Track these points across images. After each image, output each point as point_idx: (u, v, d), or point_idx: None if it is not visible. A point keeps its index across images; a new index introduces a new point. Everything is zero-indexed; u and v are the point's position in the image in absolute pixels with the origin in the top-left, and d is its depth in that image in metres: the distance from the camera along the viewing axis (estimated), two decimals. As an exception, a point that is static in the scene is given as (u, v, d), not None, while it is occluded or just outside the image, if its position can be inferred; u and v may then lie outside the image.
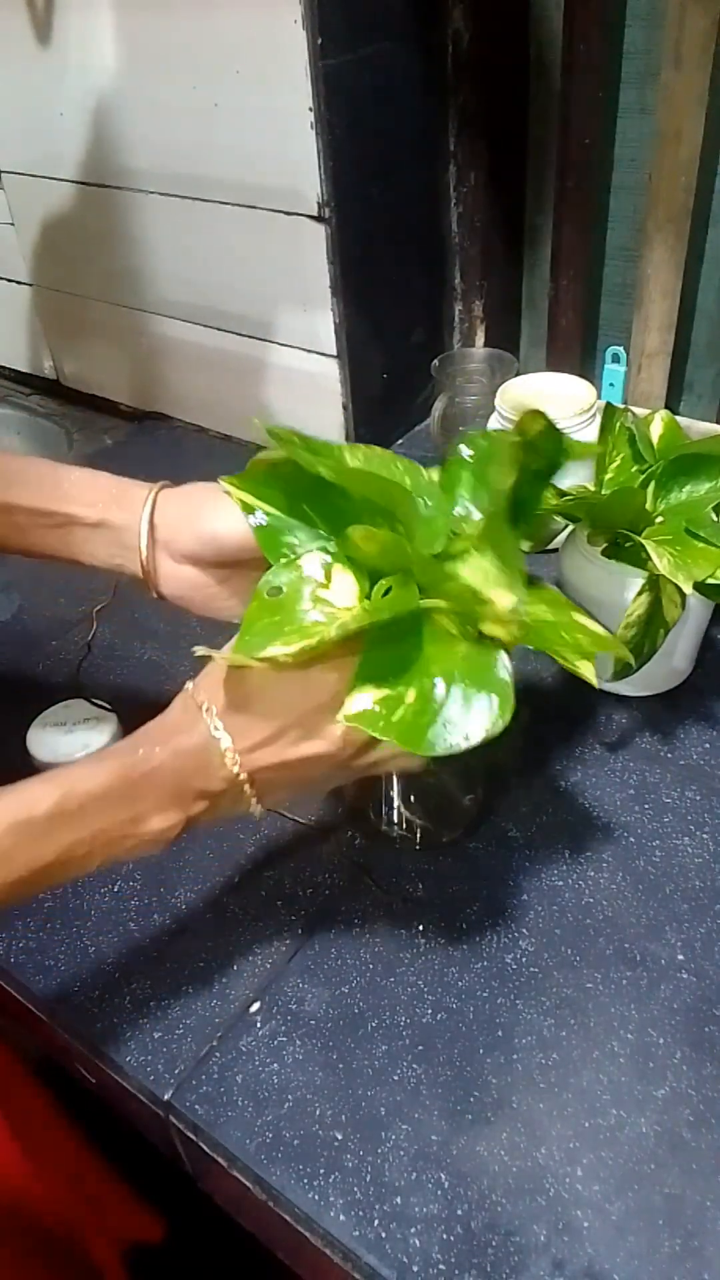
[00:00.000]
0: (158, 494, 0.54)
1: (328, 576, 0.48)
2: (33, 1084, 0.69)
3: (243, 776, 0.45)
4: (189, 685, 0.47)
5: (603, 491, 0.63)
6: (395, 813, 0.61)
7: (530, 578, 0.49)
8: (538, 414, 0.46)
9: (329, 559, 0.49)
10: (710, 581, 0.56)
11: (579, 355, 0.98)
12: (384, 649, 0.45)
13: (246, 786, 0.46)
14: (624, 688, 0.68)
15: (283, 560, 0.49)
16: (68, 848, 0.43)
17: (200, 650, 0.45)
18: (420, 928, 0.56)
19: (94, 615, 0.82)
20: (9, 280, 1.17)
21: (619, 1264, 0.43)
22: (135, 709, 0.72)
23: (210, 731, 0.45)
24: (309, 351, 0.92)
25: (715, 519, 0.60)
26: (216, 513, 0.52)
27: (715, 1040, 0.50)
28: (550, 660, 0.72)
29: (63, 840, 0.43)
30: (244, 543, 0.51)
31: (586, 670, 0.48)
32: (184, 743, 0.45)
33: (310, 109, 0.78)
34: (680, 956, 0.54)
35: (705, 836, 0.59)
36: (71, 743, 0.68)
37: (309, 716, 0.45)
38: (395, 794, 0.61)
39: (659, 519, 0.61)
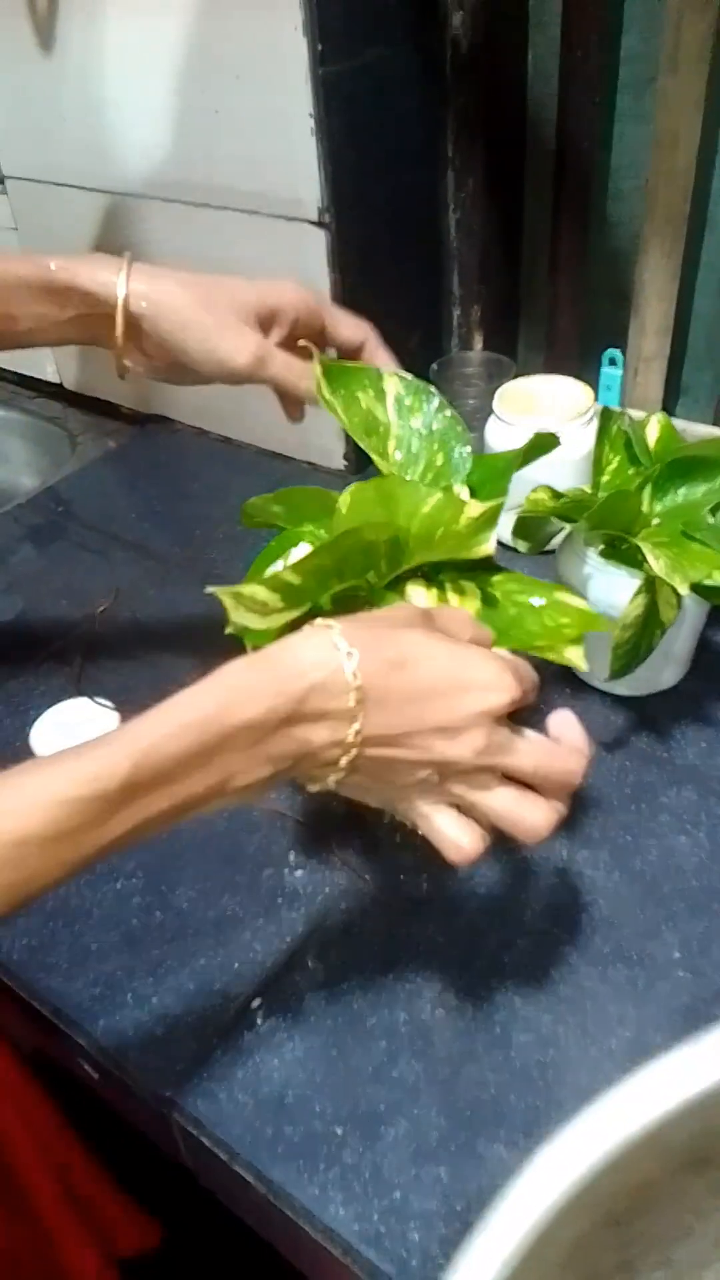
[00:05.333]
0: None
1: None
2: (27, 1081, 0.69)
3: (353, 700, 0.39)
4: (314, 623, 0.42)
5: (599, 494, 0.64)
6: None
7: (493, 565, 0.50)
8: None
9: None
10: (706, 583, 0.56)
11: (576, 359, 0.98)
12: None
13: (354, 727, 0.39)
14: (620, 688, 0.69)
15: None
16: (142, 821, 0.38)
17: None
18: (420, 926, 0.57)
19: (96, 616, 0.83)
20: (11, 284, 1.17)
21: (615, 1258, 0.43)
22: (138, 708, 0.73)
23: (333, 640, 0.40)
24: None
25: (711, 521, 0.60)
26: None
27: (711, 1037, 0.50)
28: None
29: (137, 815, 0.38)
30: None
31: (575, 656, 0.48)
32: (291, 668, 0.39)
33: (310, 114, 0.78)
34: (677, 955, 0.54)
35: (702, 836, 0.60)
36: (75, 742, 0.68)
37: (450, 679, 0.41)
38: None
39: (655, 521, 0.62)
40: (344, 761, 0.41)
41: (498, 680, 0.42)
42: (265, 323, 0.57)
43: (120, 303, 0.55)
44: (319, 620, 0.41)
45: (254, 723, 0.38)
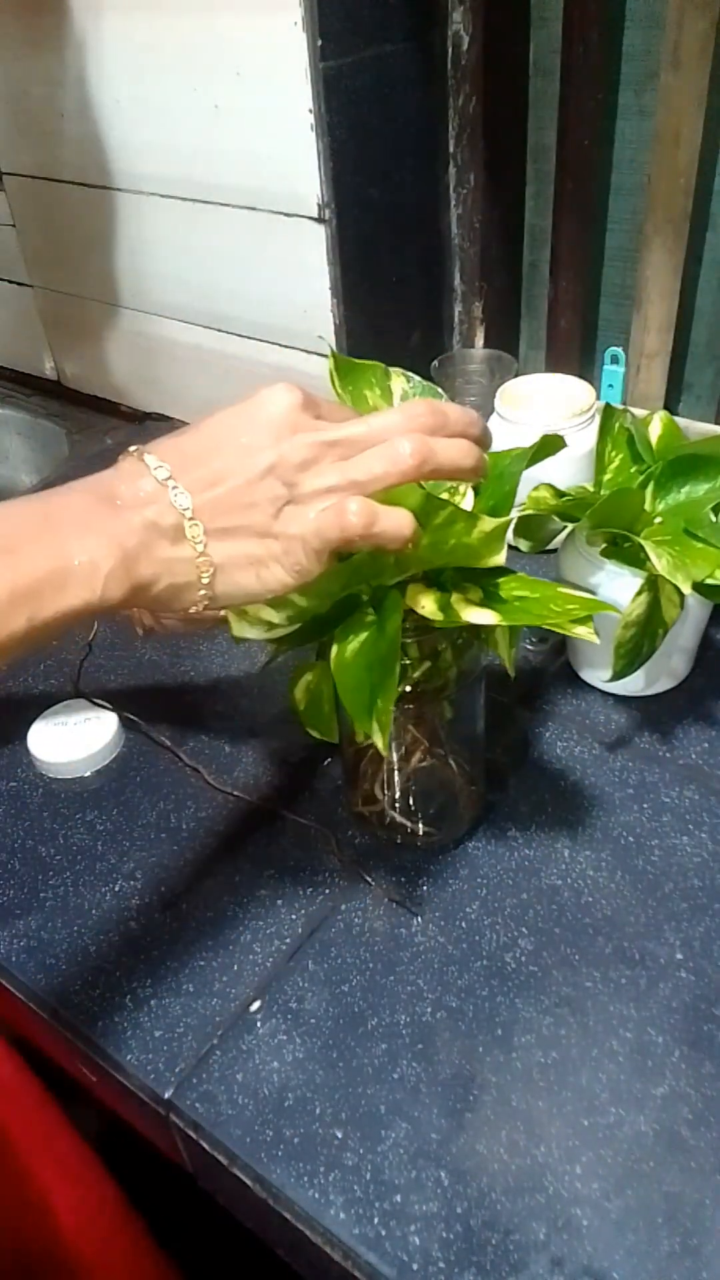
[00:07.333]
0: None
1: None
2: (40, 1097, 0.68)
3: (174, 485, 0.41)
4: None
5: (601, 492, 0.64)
6: (396, 813, 0.62)
7: (500, 568, 0.50)
8: None
9: None
10: (709, 582, 0.56)
11: (578, 356, 0.98)
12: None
13: (181, 501, 0.41)
14: (622, 688, 0.68)
15: None
16: None
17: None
18: (420, 927, 0.56)
19: (94, 615, 0.82)
20: (10, 281, 1.17)
21: (618, 1262, 0.43)
22: (136, 708, 0.73)
23: (137, 456, 0.42)
24: (309, 353, 0.93)
25: (714, 519, 0.60)
26: None
27: (714, 1039, 0.50)
28: (550, 659, 0.72)
29: None
30: None
31: (585, 632, 0.48)
32: (104, 474, 0.42)
33: (310, 111, 0.78)
34: (679, 955, 0.54)
35: (704, 835, 0.60)
36: (73, 742, 0.68)
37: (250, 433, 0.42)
38: (396, 794, 0.62)
39: (658, 519, 0.62)
40: (198, 534, 0.42)
41: (274, 389, 0.43)
42: None
43: None
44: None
45: (75, 498, 0.41)
